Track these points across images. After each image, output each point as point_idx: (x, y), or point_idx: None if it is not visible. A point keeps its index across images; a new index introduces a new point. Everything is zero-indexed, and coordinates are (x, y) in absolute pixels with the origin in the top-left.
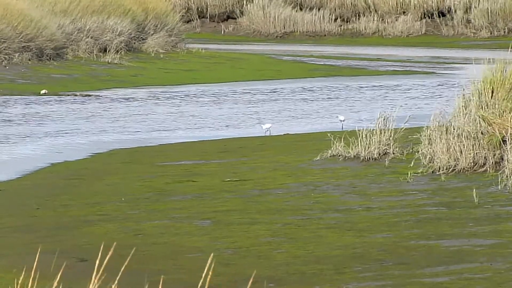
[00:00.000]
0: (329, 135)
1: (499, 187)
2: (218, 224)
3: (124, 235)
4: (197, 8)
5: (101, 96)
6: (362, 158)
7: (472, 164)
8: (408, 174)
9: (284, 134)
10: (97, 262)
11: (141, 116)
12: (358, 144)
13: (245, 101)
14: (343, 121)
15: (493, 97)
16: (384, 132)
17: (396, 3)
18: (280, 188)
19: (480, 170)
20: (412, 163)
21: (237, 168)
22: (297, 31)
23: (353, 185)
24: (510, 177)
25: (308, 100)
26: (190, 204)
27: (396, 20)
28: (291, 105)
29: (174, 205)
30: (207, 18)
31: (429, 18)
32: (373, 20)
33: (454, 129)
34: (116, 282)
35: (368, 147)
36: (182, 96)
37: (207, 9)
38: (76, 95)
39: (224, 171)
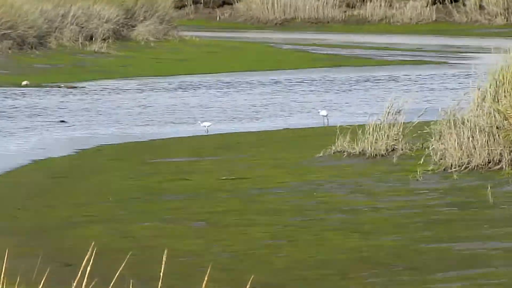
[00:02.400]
0: (336, 128)
1: None
2: (214, 226)
3: (113, 238)
4: None
5: (87, 88)
6: (368, 154)
7: (487, 161)
8: (417, 171)
9: (284, 129)
10: (83, 267)
11: (130, 109)
12: (364, 140)
13: (243, 93)
14: (326, 116)
15: (509, 90)
16: (392, 127)
17: None
18: (280, 187)
19: (495, 167)
20: (422, 160)
21: (234, 166)
22: (298, 18)
23: (359, 183)
24: None
25: (309, 92)
26: (184, 204)
27: (405, 6)
28: (292, 97)
29: (166, 205)
30: (201, 3)
31: (440, 3)
32: (380, 5)
33: (467, 123)
34: None
35: (375, 143)
36: (175, 88)
37: None
38: (60, 87)
39: (220, 169)
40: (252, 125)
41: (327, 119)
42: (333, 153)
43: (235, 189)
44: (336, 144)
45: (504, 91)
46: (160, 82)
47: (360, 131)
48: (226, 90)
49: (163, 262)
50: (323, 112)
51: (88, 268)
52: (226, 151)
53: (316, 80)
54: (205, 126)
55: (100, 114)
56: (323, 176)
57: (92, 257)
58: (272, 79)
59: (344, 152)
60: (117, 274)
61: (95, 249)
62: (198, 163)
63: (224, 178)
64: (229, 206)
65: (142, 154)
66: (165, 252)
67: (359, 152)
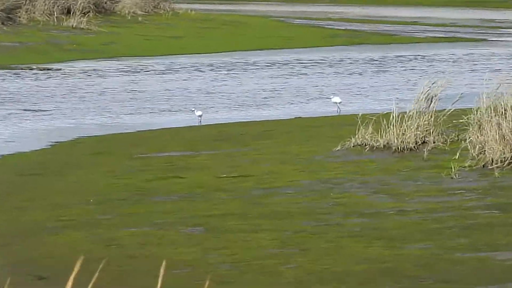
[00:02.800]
0: (357, 117)
1: None
2: (212, 231)
3: (94, 246)
4: None
5: (63, 70)
6: (394, 148)
7: None
8: (452, 168)
9: (296, 118)
10: (59, 280)
11: (114, 95)
12: (389, 131)
13: (247, 76)
14: (339, 103)
15: None
16: (423, 116)
17: None
18: (290, 186)
19: None
20: (458, 154)
21: (235, 161)
22: None
23: (383, 182)
24: None
25: (324, 75)
26: (177, 206)
27: None
28: (304, 81)
29: (157, 208)
30: None
31: None
32: None
33: (510, 111)
34: None
35: (403, 134)
36: (167, 70)
37: None
38: (31, 69)
39: (219, 165)
40: (257, 113)
41: (339, 107)
42: (353, 146)
43: (236, 189)
44: (357, 135)
45: None
46: (149, 64)
47: (384, 121)
48: (226, 72)
49: (160, 275)
50: (336, 99)
51: (67, 282)
52: (226, 144)
53: (333, 61)
54: (199, 116)
55: (79, 101)
56: (340, 174)
57: (73, 269)
58: (280, 60)
59: (366, 145)
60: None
61: (74, 259)
62: (193, 158)
63: (223, 175)
64: (230, 209)
65: (129, 148)
66: (163, 264)
67: (384, 146)
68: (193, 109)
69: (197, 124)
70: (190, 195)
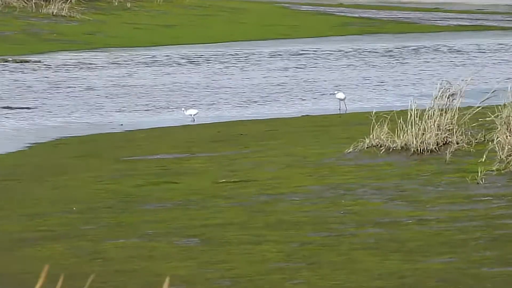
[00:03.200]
0: (371, 115)
1: None
2: (210, 243)
3: (77, 260)
4: None
5: (43, 63)
6: (413, 150)
7: None
8: (478, 172)
9: (303, 116)
10: None
11: (100, 90)
12: (407, 131)
13: (249, 69)
14: (343, 99)
15: None
16: (445, 114)
17: None
18: (297, 192)
19: None
20: (484, 157)
21: (235, 165)
22: None
23: (401, 187)
24: None
25: (337, 68)
26: (170, 215)
27: None
28: (313, 74)
29: (147, 216)
30: None
31: None
32: None
33: None
34: None
35: (423, 135)
36: (159, 62)
37: None
38: (7, 61)
39: (218, 169)
40: (260, 110)
41: (345, 104)
42: (367, 147)
43: (237, 195)
44: (371, 136)
45: None
46: (139, 55)
47: (401, 120)
48: (225, 65)
49: None
50: (340, 95)
51: None
52: (225, 145)
53: (344, 52)
54: (191, 115)
55: (61, 97)
56: (353, 178)
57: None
58: (286, 51)
59: (381, 146)
60: None
61: (55, 275)
62: (189, 161)
63: (222, 181)
64: (230, 218)
65: (116, 150)
66: (167, 280)
67: (401, 147)
68: (183, 109)
69: (194, 123)
70: (185, 203)
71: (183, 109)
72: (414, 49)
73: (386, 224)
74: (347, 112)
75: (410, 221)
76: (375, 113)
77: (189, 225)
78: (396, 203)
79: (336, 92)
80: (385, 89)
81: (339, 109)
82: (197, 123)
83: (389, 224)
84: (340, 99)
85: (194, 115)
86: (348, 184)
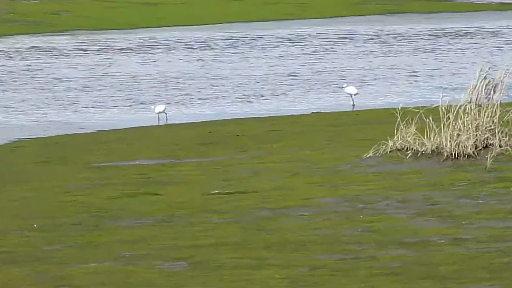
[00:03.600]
0: (396, 111)
1: None
2: (200, 268)
3: (40, 287)
4: None
5: None
6: (446, 154)
7: None
8: None
9: (313, 113)
10: None
11: (66, 82)
12: (439, 132)
13: (248, 56)
14: (355, 94)
15: None
16: (484, 111)
17: None
18: (305, 206)
19: None
20: None
21: (231, 172)
22: None
23: (431, 200)
24: None
25: (354, 55)
26: (151, 233)
27: None
28: (324, 62)
29: (124, 235)
30: None
31: None
32: None
33: None
34: None
35: (458, 136)
36: (140, 48)
37: None
38: None
39: (209, 177)
40: (261, 106)
41: (353, 99)
42: (390, 151)
43: (232, 210)
44: (395, 137)
45: None
46: (115, 40)
47: (432, 117)
48: (219, 52)
49: None
50: (350, 89)
51: None
52: (218, 149)
53: (363, 36)
54: (158, 113)
55: (20, 90)
56: (373, 189)
57: None
58: (293, 34)
59: (407, 150)
60: None
61: None
62: (174, 168)
63: (215, 192)
64: (224, 237)
65: (86, 154)
66: None
67: (432, 151)
68: (152, 107)
69: (180, 122)
70: (169, 218)
71: (152, 107)
72: (447, 32)
73: (413, 245)
74: (359, 109)
75: (443, 241)
76: (400, 109)
77: (175, 246)
78: (426, 219)
79: (345, 85)
80: (413, 81)
81: (353, 106)
82: (186, 121)
83: (417, 244)
84: (351, 94)
85: (160, 112)
86: (367, 196)
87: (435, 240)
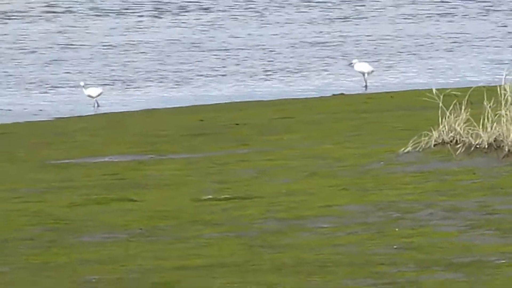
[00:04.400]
0: (441, 95)
1: None
2: None
3: None
4: None
5: None
6: (508, 148)
7: None
8: None
9: (334, 96)
10: None
11: (23, 55)
12: (498, 120)
13: (247, 22)
14: (369, 73)
15: None
16: None
17: None
18: (324, 215)
19: None
20: None
21: (228, 172)
22: None
23: (488, 208)
24: None
25: (388, 20)
26: (124, 251)
27: None
28: (345, 31)
29: (89, 253)
30: None
31: None
32: None
33: None
34: None
35: None
36: (111, 11)
37: None
38: None
39: (201, 178)
40: (267, 88)
41: (365, 79)
42: (434, 145)
43: (231, 221)
44: (441, 127)
45: None
46: (80, 1)
47: (491, 102)
48: (212, 16)
49: None
50: (361, 66)
51: None
52: (212, 142)
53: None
54: (92, 98)
55: None
56: (413, 194)
57: None
58: None
59: (457, 143)
60: None
61: None
62: (155, 167)
63: (208, 197)
64: (220, 256)
65: (42, 148)
66: None
67: (489, 144)
68: (82, 83)
69: (164, 106)
70: (148, 232)
71: (82, 83)
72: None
73: (465, 266)
74: (397, 91)
75: (503, 261)
76: (449, 91)
77: (156, 268)
78: (481, 232)
79: (355, 61)
80: (465, 54)
81: (365, 87)
82: (171, 106)
83: (470, 265)
84: (363, 73)
85: (95, 97)
86: (405, 202)
87: (493, 260)
